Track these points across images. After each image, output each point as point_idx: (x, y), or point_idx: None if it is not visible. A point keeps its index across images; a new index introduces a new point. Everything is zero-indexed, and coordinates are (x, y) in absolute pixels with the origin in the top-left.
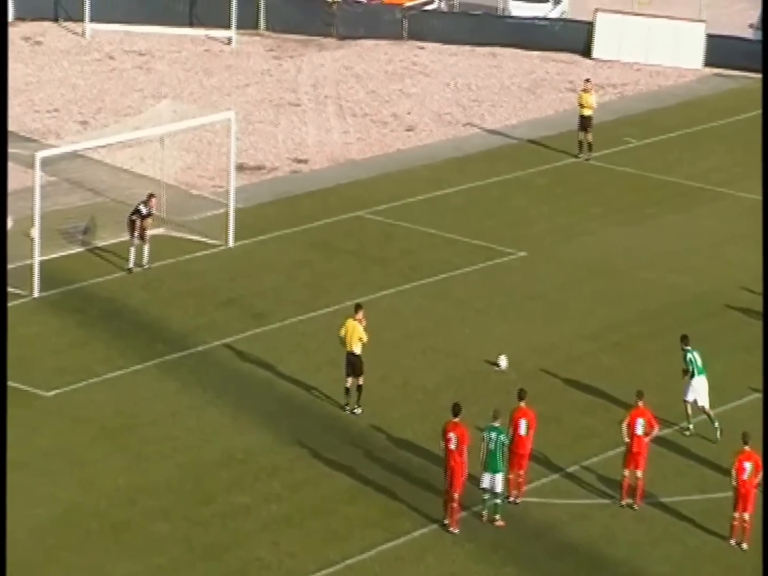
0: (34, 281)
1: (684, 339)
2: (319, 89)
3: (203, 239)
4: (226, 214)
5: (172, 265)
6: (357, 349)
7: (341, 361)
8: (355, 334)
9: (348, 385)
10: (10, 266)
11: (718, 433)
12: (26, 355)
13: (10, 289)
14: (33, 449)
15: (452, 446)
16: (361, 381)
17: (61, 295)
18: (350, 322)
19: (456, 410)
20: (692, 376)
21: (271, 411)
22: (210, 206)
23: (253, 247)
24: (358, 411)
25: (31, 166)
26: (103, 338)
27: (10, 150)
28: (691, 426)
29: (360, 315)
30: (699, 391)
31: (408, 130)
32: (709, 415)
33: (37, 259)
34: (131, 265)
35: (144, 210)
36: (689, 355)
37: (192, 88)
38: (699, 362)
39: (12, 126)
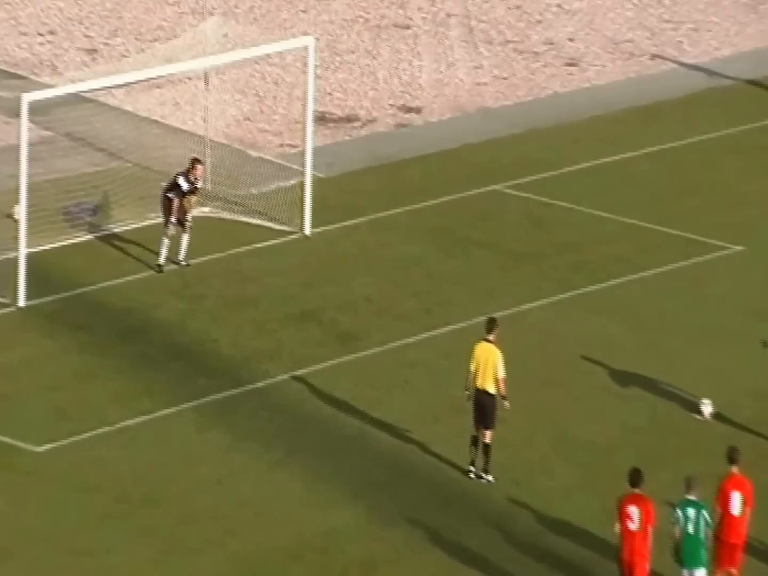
0: (19, 283)
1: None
2: (438, 4)
3: (267, 224)
4: (301, 186)
5: (220, 262)
6: (491, 387)
7: (468, 406)
8: (490, 365)
9: (476, 434)
10: None
11: None
12: (8, 391)
13: None
14: (17, 531)
15: (633, 526)
16: (488, 438)
17: (58, 303)
18: (482, 347)
19: (636, 478)
20: None
21: (366, 477)
22: (277, 175)
23: (339, 236)
24: (490, 479)
25: (16, 114)
26: (120, 368)
27: None
28: None
29: (495, 335)
30: None
31: (569, 65)
32: None
33: (23, 251)
34: (162, 260)
35: (185, 184)
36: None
37: (252, 1)
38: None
39: None
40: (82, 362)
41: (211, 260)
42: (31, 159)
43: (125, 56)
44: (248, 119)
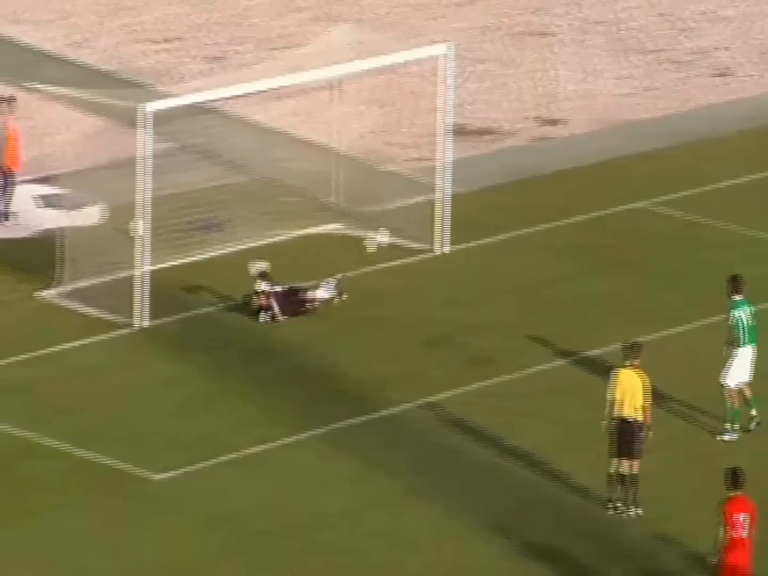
0: (141, 303)
1: (734, 284)
2: (581, 10)
3: (399, 241)
4: (435, 202)
5: (350, 282)
6: (639, 415)
7: (605, 435)
8: (638, 392)
9: (613, 470)
10: (100, 279)
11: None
12: (125, 416)
13: (102, 314)
14: (134, 564)
15: (744, 533)
16: (636, 468)
17: (179, 324)
18: (628, 374)
19: (739, 479)
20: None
21: (499, 508)
22: (409, 190)
23: (474, 255)
24: (639, 512)
25: (136, 125)
26: (242, 393)
27: (102, 100)
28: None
29: (639, 361)
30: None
31: (721, 75)
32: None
33: (146, 268)
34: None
35: (263, 285)
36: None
37: (383, 7)
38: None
39: (104, 62)
40: (205, 386)
41: (342, 278)
42: (152, 172)
43: (251, 64)
44: (380, 131)
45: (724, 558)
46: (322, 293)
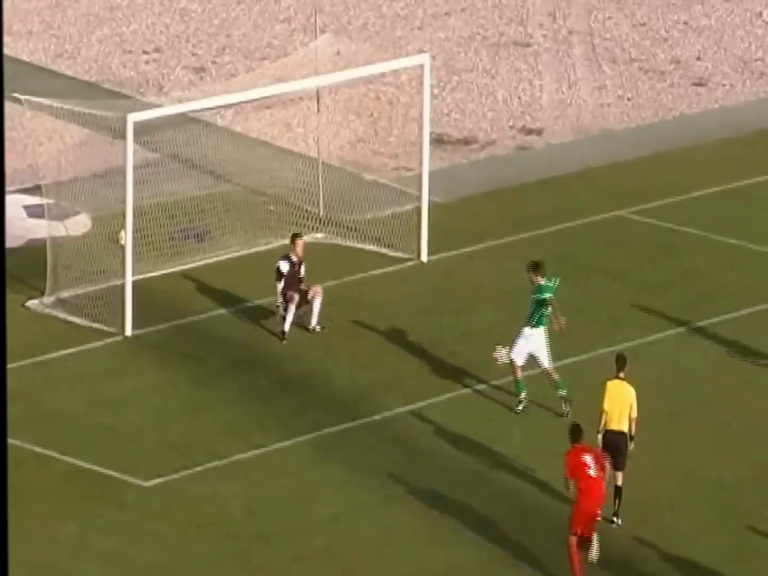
0: (127, 312)
1: (536, 269)
2: (559, 21)
3: (381, 250)
4: (417, 211)
5: (334, 290)
6: (626, 427)
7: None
8: (627, 404)
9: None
10: (88, 288)
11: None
12: (114, 423)
13: (90, 323)
14: (126, 569)
15: (593, 473)
16: (621, 480)
17: (166, 333)
18: (617, 386)
19: (579, 433)
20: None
21: (486, 514)
22: (391, 199)
23: (457, 263)
24: (620, 522)
25: (121, 135)
26: (231, 400)
27: (87, 111)
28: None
29: (625, 372)
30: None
31: (697, 85)
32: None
33: (129, 278)
34: (287, 327)
35: (285, 267)
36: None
37: (365, 17)
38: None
39: (89, 74)
40: (192, 394)
41: (324, 288)
42: (137, 182)
43: (234, 75)
44: (362, 141)
45: (581, 503)
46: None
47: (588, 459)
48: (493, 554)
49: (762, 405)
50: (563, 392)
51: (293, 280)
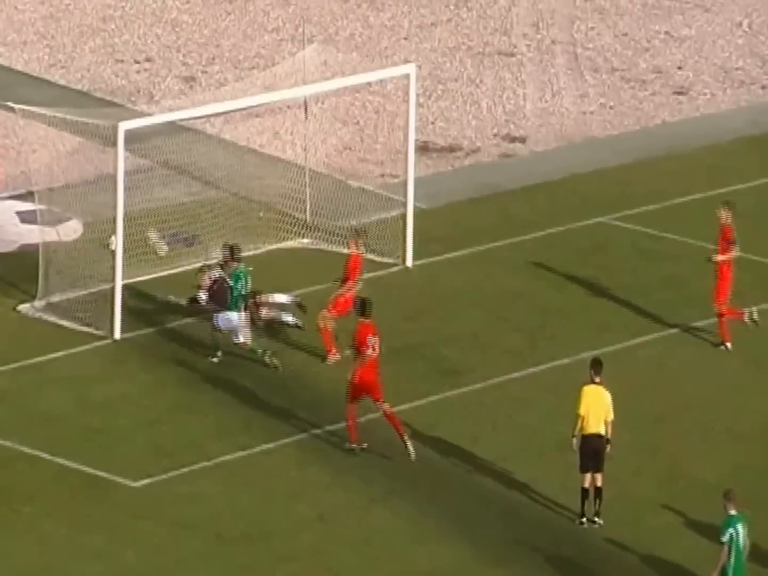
0: (115, 315)
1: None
2: (543, 30)
3: (367, 255)
4: (402, 218)
5: (320, 294)
6: (603, 430)
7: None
8: (602, 408)
9: (586, 484)
10: (79, 293)
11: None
12: (103, 425)
13: (80, 327)
14: (115, 569)
15: (373, 352)
16: (600, 481)
17: (154, 336)
18: (593, 390)
19: (366, 308)
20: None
21: (470, 514)
22: (377, 206)
23: (441, 268)
24: (601, 522)
25: (112, 143)
26: (218, 402)
27: (79, 119)
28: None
29: (601, 377)
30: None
31: (678, 93)
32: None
33: (119, 282)
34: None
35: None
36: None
37: (352, 28)
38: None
39: (81, 83)
40: (180, 396)
41: (310, 292)
42: (128, 188)
43: (223, 84)
44: (349, 148)
45: (358, 374)
46: (281, 299)
47: (372, 340)
48: (477, 554)
49: (744, 407)
50: (269, 359)
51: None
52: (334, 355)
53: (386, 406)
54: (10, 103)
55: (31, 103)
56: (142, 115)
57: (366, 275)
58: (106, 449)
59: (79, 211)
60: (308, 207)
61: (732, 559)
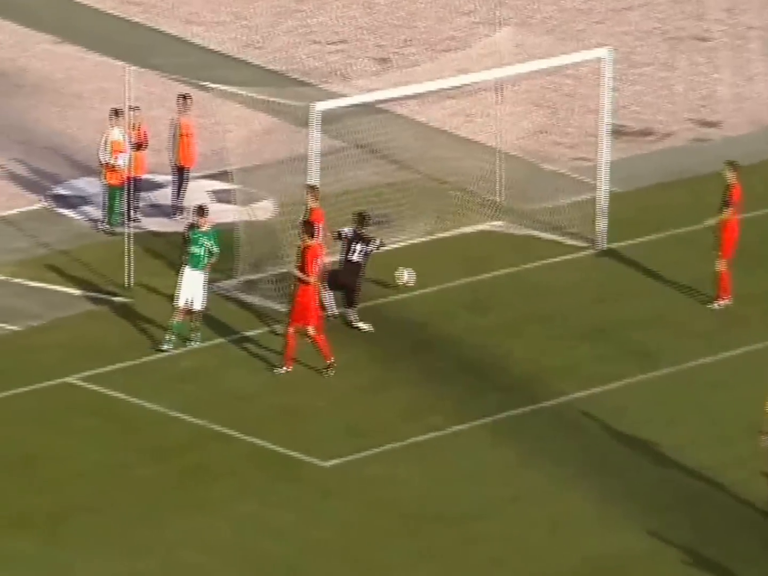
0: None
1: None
2: (738, 15)
3: (559, 239)
4: (595, 201)
5: (512, 277)
6: None
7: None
8: None
9: None
10: (271, 272)
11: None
12: (297, 404)
13: (273, 305)
14: (305, 546)
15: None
16: None
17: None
18: None
19: (311, 229)
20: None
21: (658, 498)
22: (570, 189)
23: (634, 252)
24: None
25: (306, 124)
26: (410, 381)
27: (274, 99)
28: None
29: None
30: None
31: None
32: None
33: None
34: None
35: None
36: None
37: (546, 11)
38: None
39: (276, 63)
40: (373, 375)
41: (503, 275)
42: (321, 169)
43: (416, 66)
44: (541, 132)
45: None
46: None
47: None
48: (664, 538)
49: None
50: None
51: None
52: None
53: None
54: (207, 83)
55: (227, 83)
56: (335, 96)
57: (558, 258)
58: (297, 429)
59: (272, 191)
60: (500, 190)
61: None
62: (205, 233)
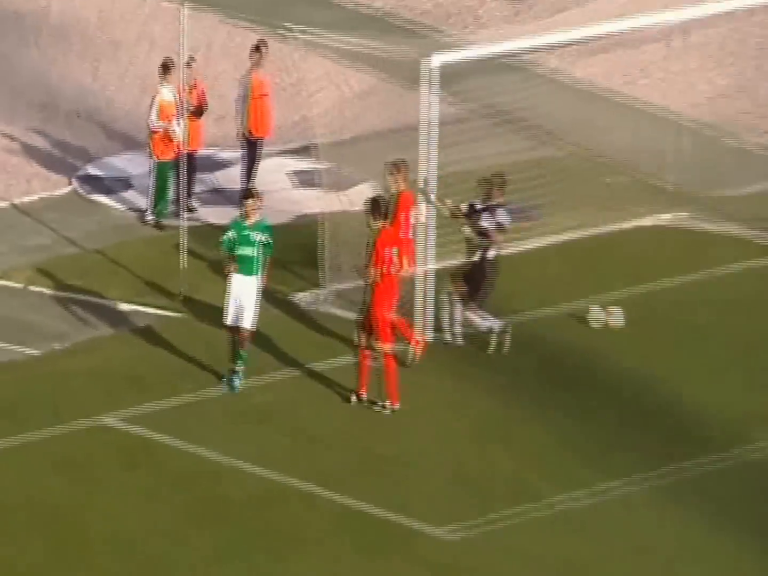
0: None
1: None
2: None
3: (747, 236)
4: None
5: (686, 288)
6: None
7: None
8: None
9: None
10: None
11: None
12: (397, 452)
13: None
14: None
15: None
16: None
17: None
18: None
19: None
20: None
21: None
22: (762, 171)
23: None
24: None
25: (417, 83)
26: (551, 420)
27: (375, 50)
28: None
29: None
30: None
31: None
32: None
33: (430, 267)
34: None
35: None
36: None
37: None
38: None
39: (379, 1)
40: (493, 413)
41: (674, 286)
42: (439, 143)
43: (560, 11)
44: (724, 96)
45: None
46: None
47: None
48: None
49: None
50: None
51: None
52: None
53: None
54: (286, 28)
55: (310, 27)
56: (458, 46)
57: (747, 263)
58: (401, 484)
59: (373, 172)
60: (676, 172)
61: None
62: (255, 225)
